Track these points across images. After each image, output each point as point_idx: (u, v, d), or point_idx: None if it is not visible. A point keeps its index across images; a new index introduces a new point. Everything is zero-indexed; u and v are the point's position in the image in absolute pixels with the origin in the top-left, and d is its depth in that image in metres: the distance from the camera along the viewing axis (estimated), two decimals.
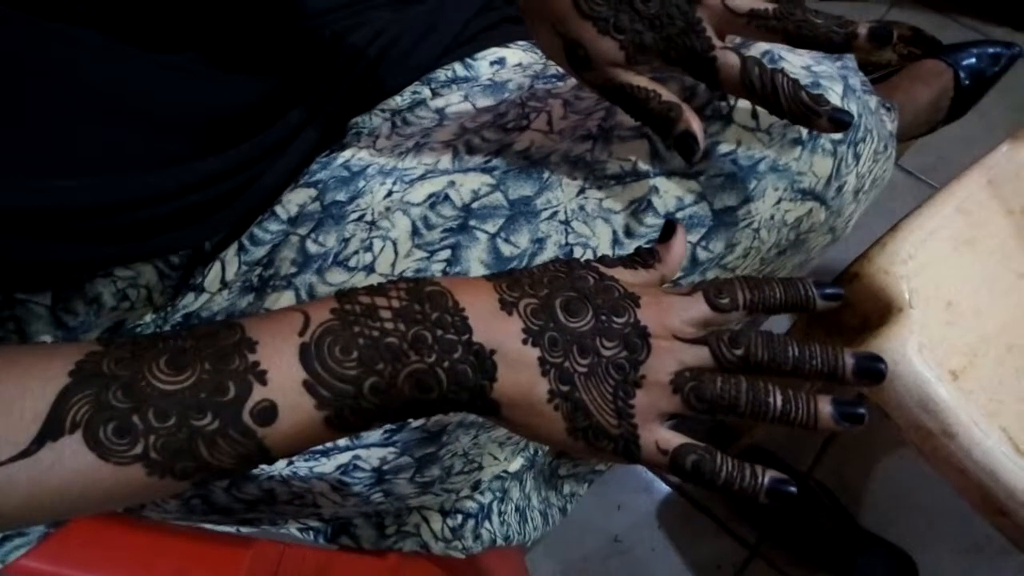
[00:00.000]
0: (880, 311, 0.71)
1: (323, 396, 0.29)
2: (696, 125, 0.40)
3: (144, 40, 0.43)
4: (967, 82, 0.85)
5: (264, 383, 0.29)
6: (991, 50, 0.85)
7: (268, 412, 0.29)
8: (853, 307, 0.73)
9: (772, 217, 0.46)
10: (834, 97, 0.46)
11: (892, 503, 1.01)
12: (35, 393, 0.27)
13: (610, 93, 0.41)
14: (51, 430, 0.26)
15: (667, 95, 0.40)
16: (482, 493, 0.59)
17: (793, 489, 0.33)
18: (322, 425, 0.30)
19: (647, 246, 0.38)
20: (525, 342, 0.32)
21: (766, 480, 0.33)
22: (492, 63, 0.56)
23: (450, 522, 0.57)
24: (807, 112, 0.38)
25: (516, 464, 0.61)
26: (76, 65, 0.41)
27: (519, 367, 0.32)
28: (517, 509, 0.65)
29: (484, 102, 0.52)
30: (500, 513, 0.62)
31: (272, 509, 0.50)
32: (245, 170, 0.47)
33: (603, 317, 0.33)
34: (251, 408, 0.28)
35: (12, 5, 0.38)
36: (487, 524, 0.60)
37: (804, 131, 0.45)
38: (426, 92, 0.54)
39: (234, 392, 0.28)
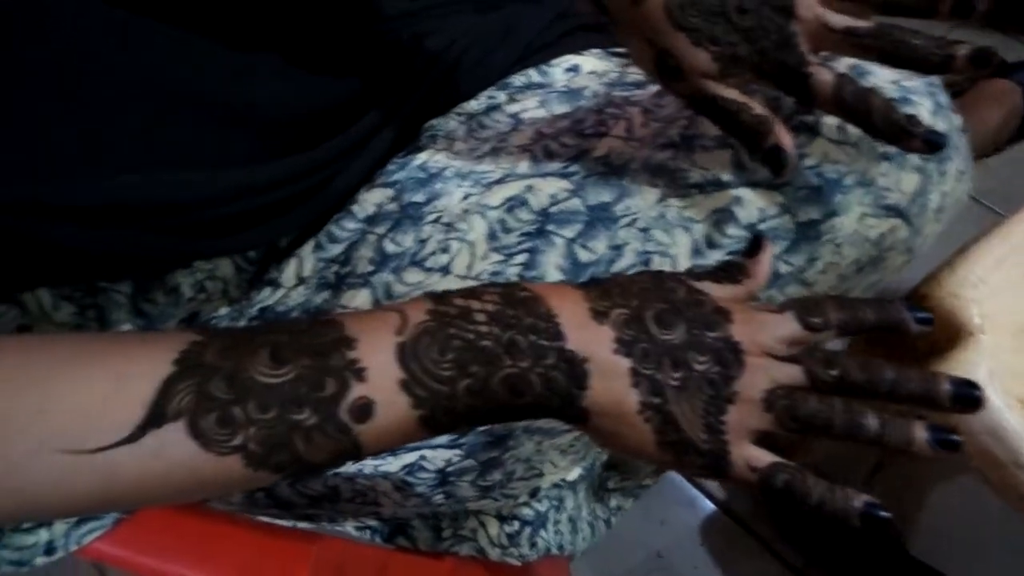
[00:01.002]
0: (948, 335, 0.69)
1: (419, 395, 0.29)
2: (787, 140, 0.39)
3: (225, 37, 0.44)
4: None
5: (362, 380, 0.29)
6: None
7: (365, 409, 0.29)
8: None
9: (855, 232, 0.45)
10: (924, 114, 0.45)
11: (945, 531, 0.98)
12: (140, 380, 0.27)
13: (699, 104, 0.40)
14: (156, 417, 0.27)
15: (758, 108, 0.39)
16: (539, 500, 0.59)
17: (886, 515, 0.32)
18: (415, 424, 0.30)
19: (735, 260, 0.37)
20: (617, 352, 0.31)
21: (859, 503, 0.32)
22: (567, 70, 0.56)
23: (507, 528, 0.57)
24: (901, 133, 0.37)
25: (574, 473, 0.60)
26: (161, 61, 0.41)
27: (611, 377, 0.31)
28: (570, 519, 0.64)
29: (560, 108, 0.52)
30: (555, 522, 0.62)
31: (333, 506, 0.50)
32: (323, 169, 0.47)
33: (695, 331, 0.32)
34: (349, 405, 0.29)
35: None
36: (542, 532, 0.59)
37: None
38: (501, 97, 0.54)
39: (333, 388, 0.28)
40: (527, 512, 0.58)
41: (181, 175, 0.42)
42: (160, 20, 0.41)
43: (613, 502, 0.74)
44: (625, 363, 0.31)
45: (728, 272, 0.37)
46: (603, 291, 0.33)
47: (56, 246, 0.39)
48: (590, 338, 0.32)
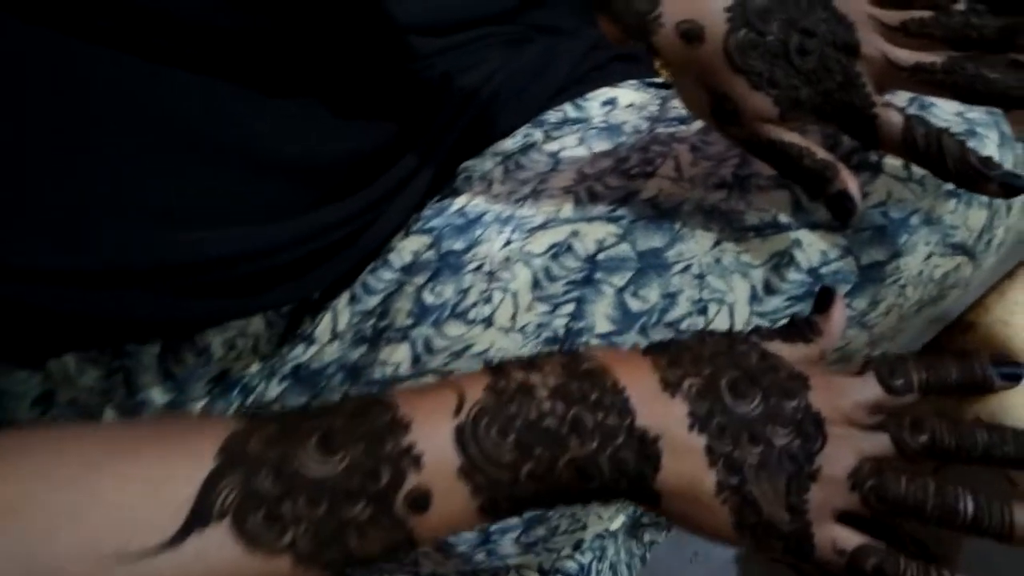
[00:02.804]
0: None
1: (479, 483, 0.27)
2: (853, 186, 0.37)
3: (252, 85, 0.42)
4: None
5: (419, 468, 0.27)
6: None
7: (422, 500, 0.27)
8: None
9: (920, 273, 0.43)
10: (991, 146, 0.42)
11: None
12: (182, 476, 0.25)
13: (757, 149, 0.38)
14: (199, 518, 0.25)
15: (821, 153, 0.37)
16: (582, 553, 0.56)
17: None
18: (475, 513, 0.28)
19: (804, 317, 0.35)
20: (691, 428, 0.29)
21: None
22: (604, 103, 0.54)
23: None
24: (976, 177, 0.35)
25: (618, 522, 0.58)
26: (189, 113, 0.40)
27: (685, 456, 0.29)
28: (611, 566, 0.62)
29: (601, 145, 0.50)
30: (597, 572, 0.59)
31: (369, 568, 0.48)
32: (359, 218, 0.45)
33: (772, 400, 0.30)
34: (405, 496, 0.26)
35: (124, 48, 0.37)
36: None
37: None
38: (538, 135, 0.52)
39: (388, 478, 0.26)
40: (570, 565, 0.56)
41: (213, 232, 0.40)
42: (195, 71, 0.40)
43: (647, 537, 0.71)
44: (700, 441, 0.29)
45: (799, 331, 0.34)
46: (673, 358, 0.31)
47: (87, 315, 0.37)
48: (662, 413, 0.29)
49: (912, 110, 0.43)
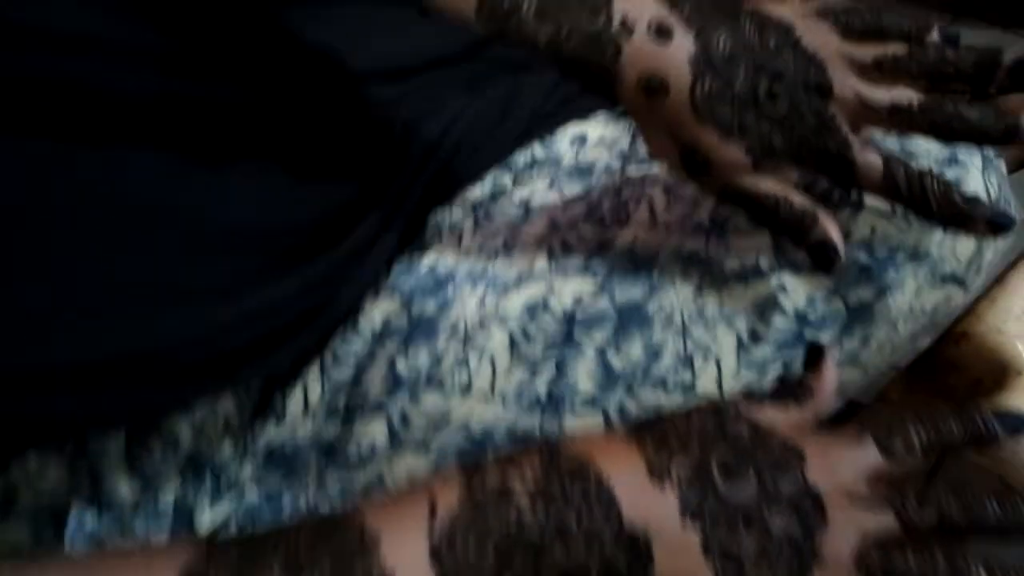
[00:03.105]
0: (995, 374, 0.65)
1: None
2: (834, 233, 0.35)
3: (210, 154, 0.40)
4: None
5: None
6: None
7: None
8: (962, 370, 0.67)
9: (911, 308, 0.41)
10: (974, 173, 0.41)
11: None
12: None
13: (732, 199, 0.36)
14: None
15: (798, 200, 0.35)
16: None
17: None
18: None
19: (795, 377, 0.33)
20: (684, 519, 0.27)
21: None
22: (572, 141, 0.52)
23: None
24: (962, 218, 0.33)
25: None
26: (141, 193, 0.38)
27: (679, 552, 0.27)
28: None
29: (572, 189, 0.48)
30: None
31: None
32: (325, 286, 0.43)
33: (767, 479, 0.28)
34: None
35: (63, 138, 0.36)
36: None
37: None
38: (506, 180, 0.50)
39: None
40: None
41: (173, 315, 0.38)
42: (132, 145, 0.38)
43: None
44: (694, 535, 0.27)
45: (790, 393, 0.33)
46: (659, 440, 0.29)
47: (46, 416, 0.35)
48: (652, 506, 0.27)
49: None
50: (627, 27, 0.34)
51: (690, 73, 0.34)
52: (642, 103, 0.35)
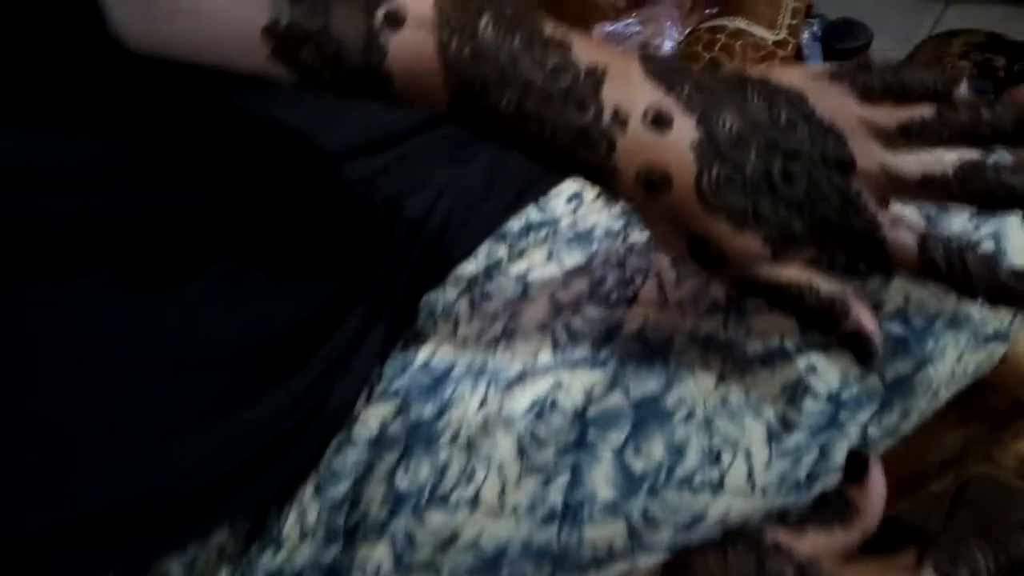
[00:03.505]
0: None
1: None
2: (868, 321, 0.32)
3: (174, 273, 0.37)
4: None
5: None
6: None
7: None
8: (999, 390, 0.63)
9: (953, 375, 0.38)
10: (1014, 227, 0.37)
11: None
12: None
13: (750, 291, 0.33)
14: None
15: (826, 286, 0.31)
16: None
17: None
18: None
19: (839, 491, 0.30)
20: None
21: None
22: (568, 199, 0.49)
23: None
24: (1010, 296, 0.30)
25: None
26: (99, 325, 0.35)
27: None
28: None
29: (572, 259, 0.44)
30: None
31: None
32: (313, 394, 0.40)
33: None
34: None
35: (17, 276, 0.33)
36: None
37: None
38: (502, 251, 0.46)
39: None
40: None
41: (149, 455, 0.36)
42: (89, 272, 0.35)
43: None
44: None
45: (834, 514, 0.29)
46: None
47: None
48: None
49: None
50: (620, 119, 0.30)
51: (695, 162, 0.30)
52: (643, 198, 0.31)
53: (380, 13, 0.29)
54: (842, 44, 0.87)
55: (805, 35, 0.86)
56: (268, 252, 0.40)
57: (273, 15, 0.29)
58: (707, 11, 0.85)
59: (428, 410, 0.40)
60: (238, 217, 0.39)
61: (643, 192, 0.31)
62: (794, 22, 0.84)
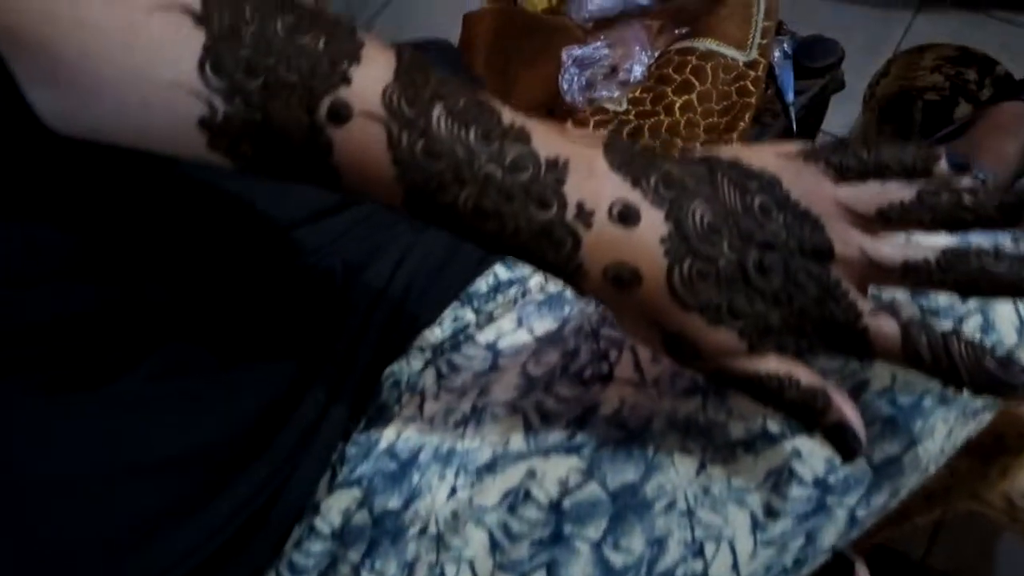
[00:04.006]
0: (1017, 428, 0.61)
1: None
2: (850, 412, 0.30)
3: (112, 373, 0.34)
4: None
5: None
6: None
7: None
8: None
9: (943, 450, 0.36)
10: (1006, 305, 0.36)
11: None
12: None
13: (730, 384, 0.31)
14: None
15: (806, 378, 0.30)
16: None
17: None
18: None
19: None
20: None
21: None
22: None
23: None
24: (997, 385, 0.28)
25: None
26: (21, 432, 0.32)
27: None
28: None
29: (543, 325, 0.42)
30: None
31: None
32: (270, 485, 0.37)
33: None
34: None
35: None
36: None
37: None
38: (468, 315, 0.44)
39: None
40: None
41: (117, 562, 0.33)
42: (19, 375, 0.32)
43: None
44: None
45: None
46: None
47: None
48: None
49: None
50: (584, 215, 0.28)
51: (665, 257, 0.28)
52: (612, 294, 0.29)
53: (323, 107, 0.27)
54: (814, 62, 0.85)
55: (776, 54, 0.84)
56: (217, 336, 0.38)
57: (207, 108, 0.27)
58: (677, 32, 0.83)
59: (394, 501, 0.37)
60: (185, 303, 0.37)
61: (612, 289, 0.28)
62: (764, 41, 0.82)
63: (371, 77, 0.27)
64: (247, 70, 0.26)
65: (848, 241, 0.29)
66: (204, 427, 0.36)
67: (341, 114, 0.27)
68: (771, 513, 0.35)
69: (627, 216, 0.28)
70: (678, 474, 0.35)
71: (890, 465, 0.35)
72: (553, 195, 0.27)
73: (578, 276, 0.29)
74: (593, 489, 0.35)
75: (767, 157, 0.30)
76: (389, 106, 0.27)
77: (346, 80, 0.27)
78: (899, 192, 0.29)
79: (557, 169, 0.28)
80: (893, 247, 0.29)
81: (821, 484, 0.35)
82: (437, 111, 0.27)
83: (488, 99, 0.28)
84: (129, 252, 0.35)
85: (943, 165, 0.29)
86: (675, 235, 0.28)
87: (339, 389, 0.40)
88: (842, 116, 1.00)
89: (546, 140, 0.28)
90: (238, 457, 0.37)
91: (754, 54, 0.82)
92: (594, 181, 0.28)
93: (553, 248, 0.28)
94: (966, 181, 0.34)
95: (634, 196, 0.28)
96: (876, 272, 0.29)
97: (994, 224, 0.28)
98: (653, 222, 0.28)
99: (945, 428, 0.36)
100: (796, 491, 0.35)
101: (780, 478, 0.35)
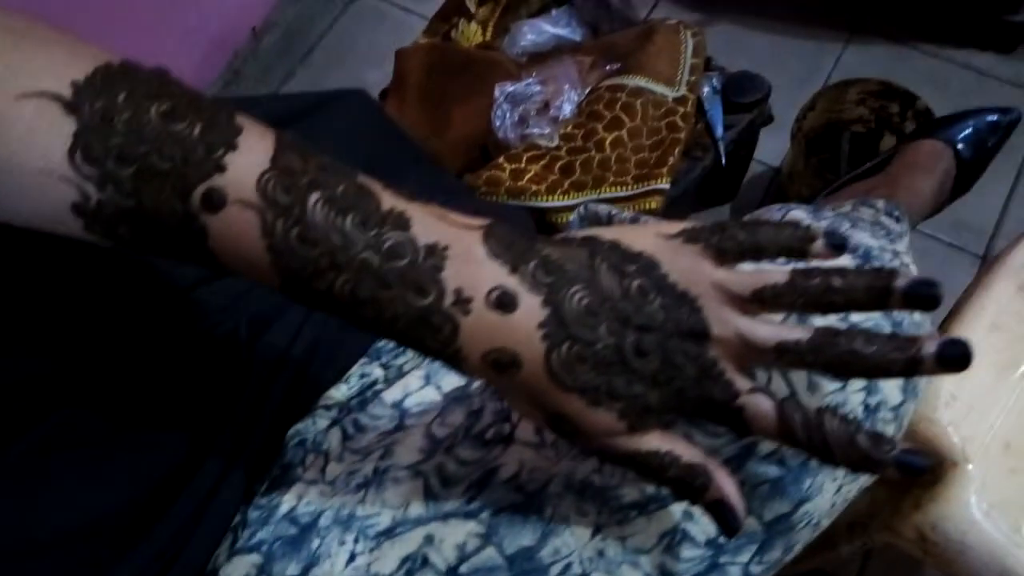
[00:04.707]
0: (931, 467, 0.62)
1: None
2: (730, 490, 0.30)
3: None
4: (967, 156, 0.76)
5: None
6: (988, 118, 0.77)
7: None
8: None
9: (833, 505, 0.37)
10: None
11: None
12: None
13: (613, 461, 0.31)
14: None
15: (687, 455, 0.30)
16: None
17: None
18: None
19: None
20: None
21: None
22: None
23: None
24: (869, 464, 0.29)
25: None
26: None
27: None
28: None
29: (451, 382, 0.42)
30: None
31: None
32: (164, 555, 0.37)
33: None
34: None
35: None
36: None
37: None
38: (376, 371, 0.44)
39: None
40: None
41: None
42: None
43: None
44: None
45: None
46: None
47: None
48: None
49: None
50: (462, 302, 0.28)
51: (543, 342, 0.28)
52: (494, 378, 0.29)
53: (197, 195, 0.26)
54: (742, 97, 0.87)
55: (705, 90, 0.86)
56: (112, 403, 0.37)
57: (79, 195, 0.26)
58: (608, 68, 0.84)
59: (293, 567, 0.37)
60: (76, 370, 0.36)
61: (493, 372, 0.29)
62: (693, 78, 0.84)
63: (247, 164, 0.27)
64: (119, 158, 0.26)
65: (725, 321, 0.29)
66: (99, 498, 0.36)
67: (215, 202, 0.26)
68: (665, 574, 0.35)
69: (505, 303, 0.28)
70: (574, 537, 0.35)
71: (780, 523, 0.36)
72: (431, 282, 0.28)
73: (458, 360, 0.29)
74: (490, 554, 0.35)
75: (647, 238, 0.30)
76: (264, 193, 0.27)
77: (220, 168, 0.27)
78: (773, 275, 0.29)
79: (435, 256, 0.28)
80: (768, 329, 0.29)
81: (713, 544, 0.35)
82: (314, 197, 0.27)
83: (369, 184, 0.28)
84: (10, 323, 0.34)
85: (819, 245, 0.30)
86: (553, 320, 0.28)
87: (240, 452, 0.40)
88: (776, 145, 1.02)
89: (425, 226, 0.28)
90: (134, 527, 0.36)
91: (683, 90, 0.83)
92: (472, 267, 0.28)
93: (431, 334, 0.28)
94: (843, 260, 0.35)
95: (512, 282, 0.28)
96: (752, 352, 0.30)
97: (863, 308, 0.29)
98: (531, 308, 0.28)
99: (833, 486, 0.36)
100: (689, 552, 0.35)
101: (673, 539, 0.35)
